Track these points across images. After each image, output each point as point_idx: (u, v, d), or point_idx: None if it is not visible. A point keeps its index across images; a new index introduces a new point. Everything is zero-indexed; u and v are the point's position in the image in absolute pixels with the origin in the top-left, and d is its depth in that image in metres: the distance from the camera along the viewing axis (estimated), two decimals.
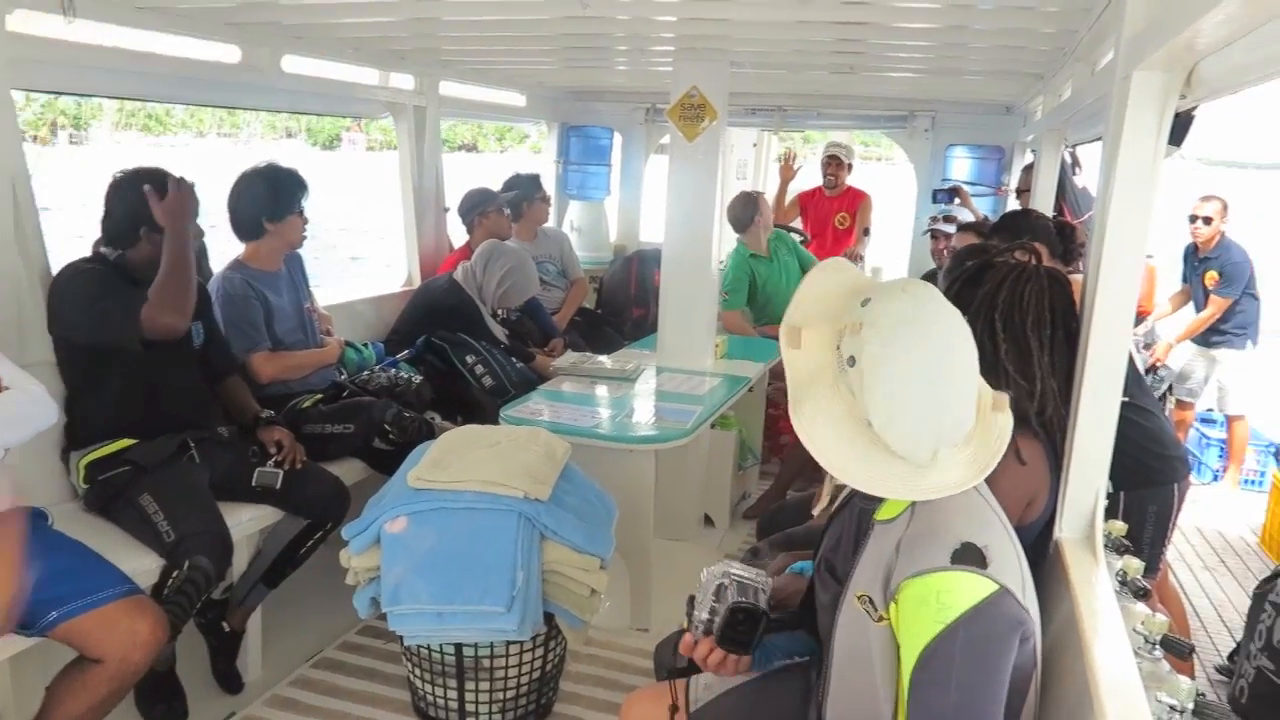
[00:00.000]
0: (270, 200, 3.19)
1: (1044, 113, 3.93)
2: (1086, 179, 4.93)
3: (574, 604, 2.51)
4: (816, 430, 1.29)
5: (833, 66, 4.33)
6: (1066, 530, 1.82)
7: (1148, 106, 1.54)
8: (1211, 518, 5.11)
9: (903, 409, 1.24)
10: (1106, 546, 2.27)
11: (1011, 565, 1.29)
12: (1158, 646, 1.79)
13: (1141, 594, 1.99)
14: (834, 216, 5.91)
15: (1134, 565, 2.10)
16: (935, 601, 1.22)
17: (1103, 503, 1.81)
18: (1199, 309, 5.40)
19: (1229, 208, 5.24)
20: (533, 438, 2.73)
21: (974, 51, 3.87)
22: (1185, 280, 5.56)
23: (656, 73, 4.37)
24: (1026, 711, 1.36)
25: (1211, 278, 5.24)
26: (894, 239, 6.51)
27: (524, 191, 4.98)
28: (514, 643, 2.49)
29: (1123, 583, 2.03)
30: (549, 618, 2.53)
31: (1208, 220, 5.22)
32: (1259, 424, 5.60)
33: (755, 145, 9.28)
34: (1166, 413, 5.70)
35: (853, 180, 6.10)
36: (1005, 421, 1.35)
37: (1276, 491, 4.57)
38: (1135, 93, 1.54)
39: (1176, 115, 1.82)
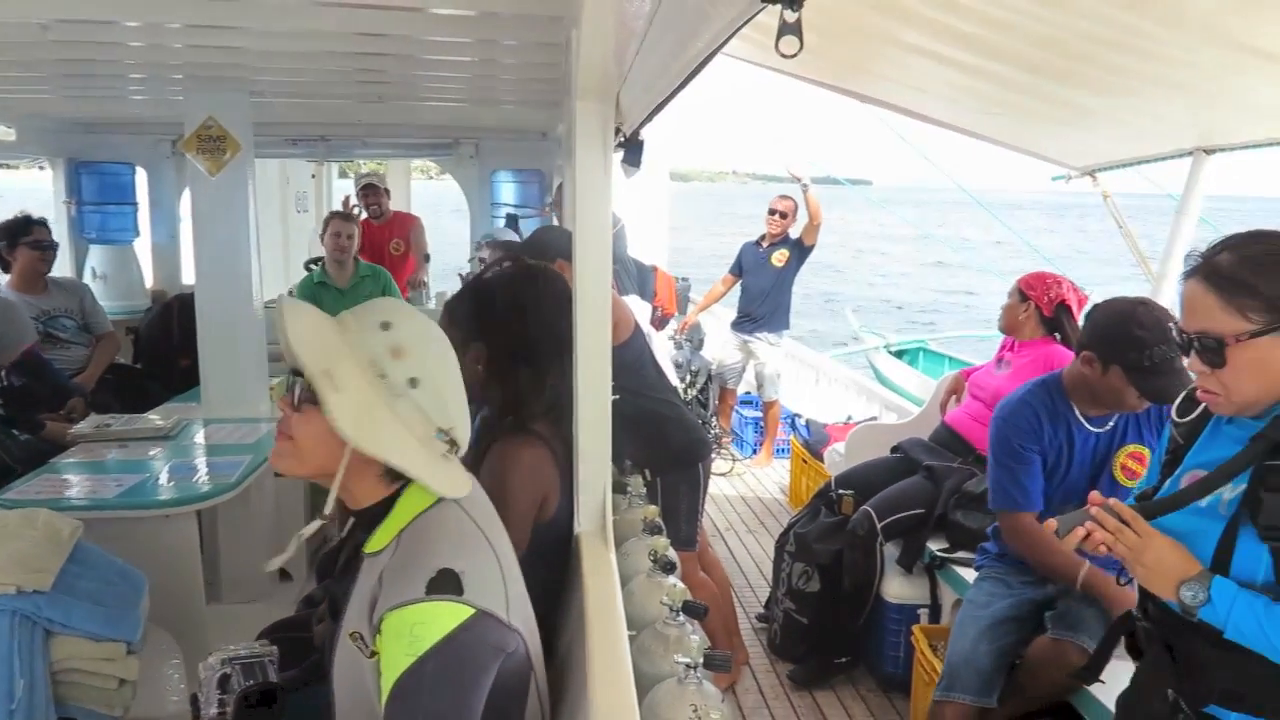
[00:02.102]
0: None
1: (563, 137, 4.24)
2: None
3: (99, 700, 2.21)
4: (396, 458, 1.32)
5: (362, 96, 4.29)
6: (584, 524, 1.95)
7: (592, 131, 1.70)
8: (751, 487, 5.86)
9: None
10: (643, 530, 2.49)
11: (493, 586, 1.32)
12: (680, 613, 2.00)
13: (669, 568, 2.21)
14: (388, 244, 5.87)
15: (661, 544, 2.32)
16: (409, 634, 1.22)
17: (609, 494, 1.96)
18: (750, 298, 6.07)
19: (799, 209, 5.99)
20: (28, 522, 2.35)
21: (504, 83, 4.05)
22: (734, 272, 6.21)
23: (178, 102, 4.03)
24: (531, 713, 1.42)
25: (783, 255, 5.93)
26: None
27: (3, 239, 4.29)
28: None
29: (654, 561, 2.23)
30: None
31: (784, 215, 5.92)
32: (783, 399, 6.54)
33: (314, 177, 8.97)
34: (714, 399, 6.47)
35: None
36: None
37: (796, 454, 5.35)
38: (580, 119, 1.69)
39: (631, 140, 2.06)
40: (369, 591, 1.30)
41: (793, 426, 5.70)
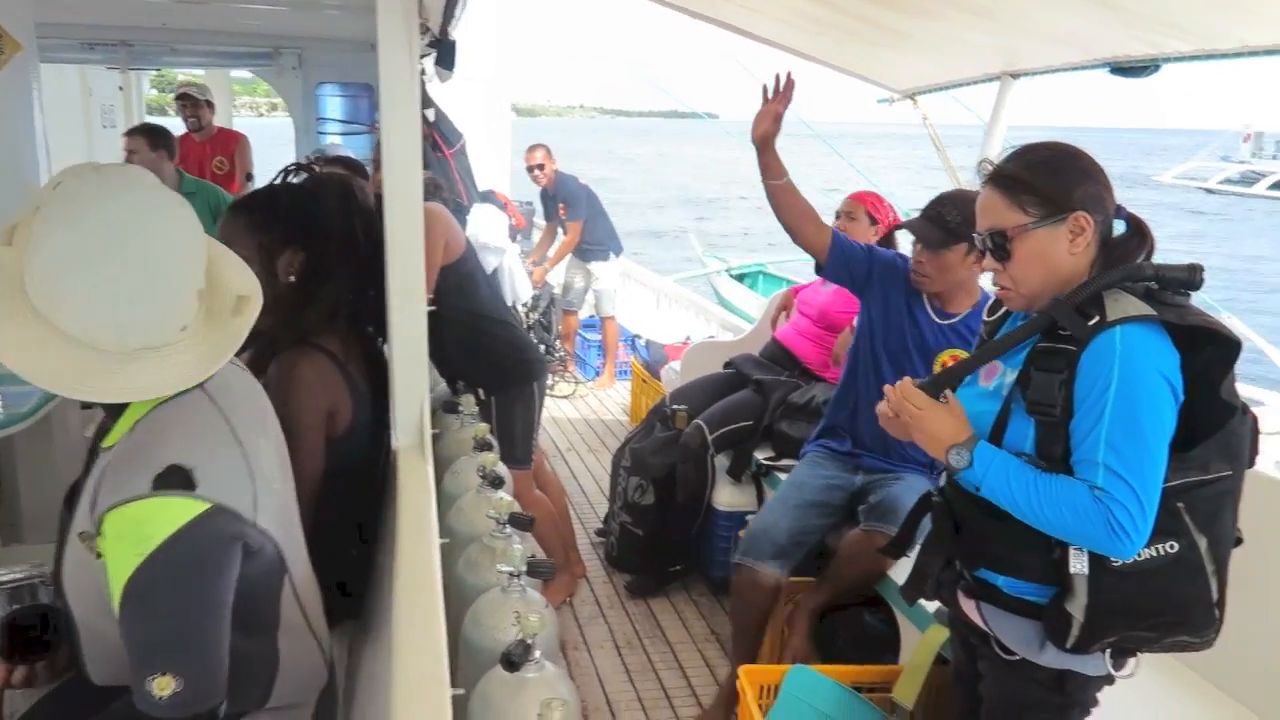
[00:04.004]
0: None
1: None
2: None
3: None
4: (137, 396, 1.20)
5: None
6: (401, 439, 1.91)
7: (396, 25, 1.63)
8: (593, 408, 5.94)
9: (68, 288, 1.15)
10: (475, 447, 2.49)
11: (236, 483, 1.27)
12: (507, 525, 2.01)
13: (497, 483, 2.21)
14: (210, 162, 5.51)
15: (490, 459, 2.32)
16: (134, 533, 1.16)
17: (427, 408, 1.93)
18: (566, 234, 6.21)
19: (551, 151, 6.15)
20: None
21: None
22: (547, 218, 6.44)
23: None
24: (289, 621, 1.40)
25: (563, 209, 6.12)
26: None
27: None
28: None
29: (483, 476, 2.23)
30: None
31: (540, 167, 6.06)
32: (622, 319, 6.64)
33: (122, 89, 8.25)
34: (557, 322, 6.49)
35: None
36: (241, 325, 1.30)
37: (636, 373, 5.44)
38: (382, 12, 1.62)
39: (441, 41, 1.98)
40: (94, 487, 1.23)
41: (633, 347, 5.78)
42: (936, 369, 2.73)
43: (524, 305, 6.08)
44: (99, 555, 1.18)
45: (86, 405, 3.64)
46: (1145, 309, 1.44)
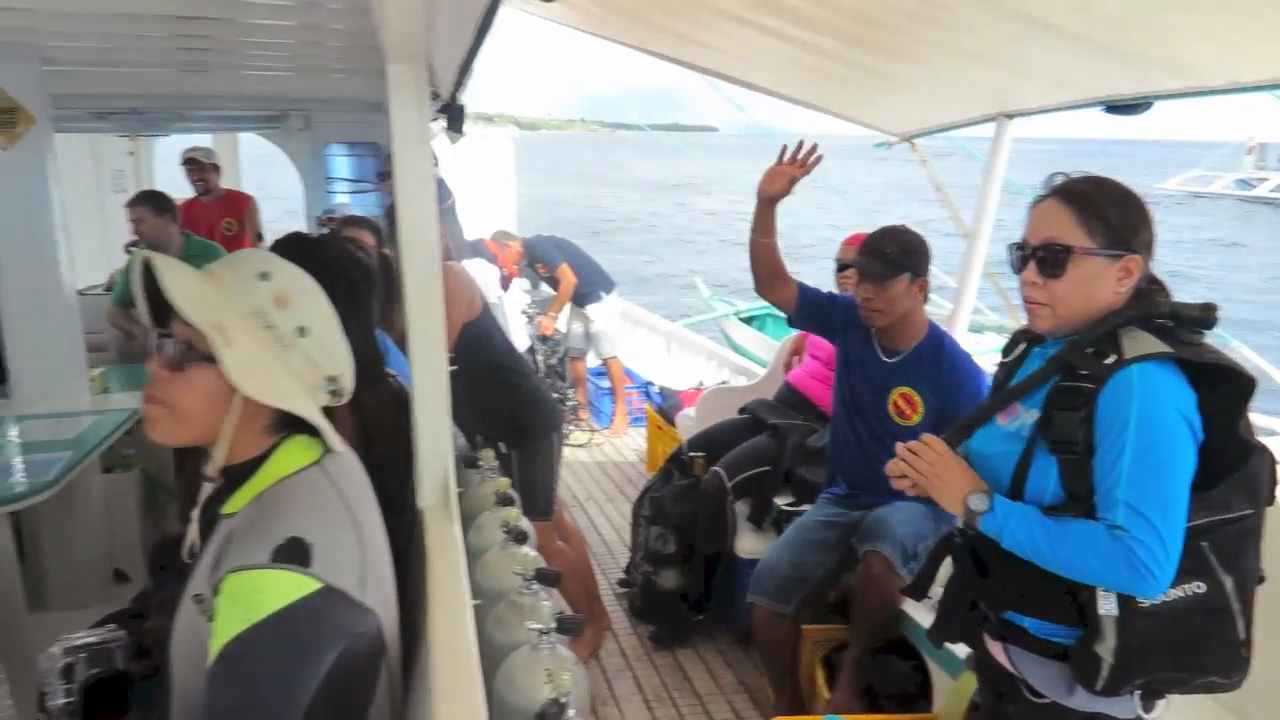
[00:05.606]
0: None
1: None
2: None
3: None
4: (294, 406, 1.31)
5: (183, 65, 4.04)
6: (426, 499, 1.92)
7: (407, 94, 1.68)
8: (609, 456, 5.93)
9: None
10: (497, 502, 2.50)
11: (348, 561, 1.27)
12: (534, 581, 2.02)
13: (521, 538, 2.22)
14: (220, 224, 5.60)
15: (512, 514, 2.33)
16: (246, 600, 1.17)
17: (451, 468, 1.94)
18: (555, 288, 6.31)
19: (510, 233, 6.25)
20: None
21: (332, 50, 3.89)
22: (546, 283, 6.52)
23: None
24: (382, 691, 1.39)
25: (541, 268, 6.23)
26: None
27: None
28: None
29: (506, 532, 2.24)
30: None
31: (507, 261, 6.15)
32: (634, 365, 6.65)
33: (133, 154, 8.40)
34: (568, 370, 6.54)
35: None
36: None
37: (651, 420, 5.45)
38: (394, 83, 1.67)
39: (451, 106, 2.03)
40: (216, 552, 1.25)
41: (647, 395, 5.80)
42: (890, 409, 2.81)
43: (542, 354, 6.15)
44: (210, 618, 1.20)
45: (106, 469, 3.68)
46: (1162, 346, 1.44)
